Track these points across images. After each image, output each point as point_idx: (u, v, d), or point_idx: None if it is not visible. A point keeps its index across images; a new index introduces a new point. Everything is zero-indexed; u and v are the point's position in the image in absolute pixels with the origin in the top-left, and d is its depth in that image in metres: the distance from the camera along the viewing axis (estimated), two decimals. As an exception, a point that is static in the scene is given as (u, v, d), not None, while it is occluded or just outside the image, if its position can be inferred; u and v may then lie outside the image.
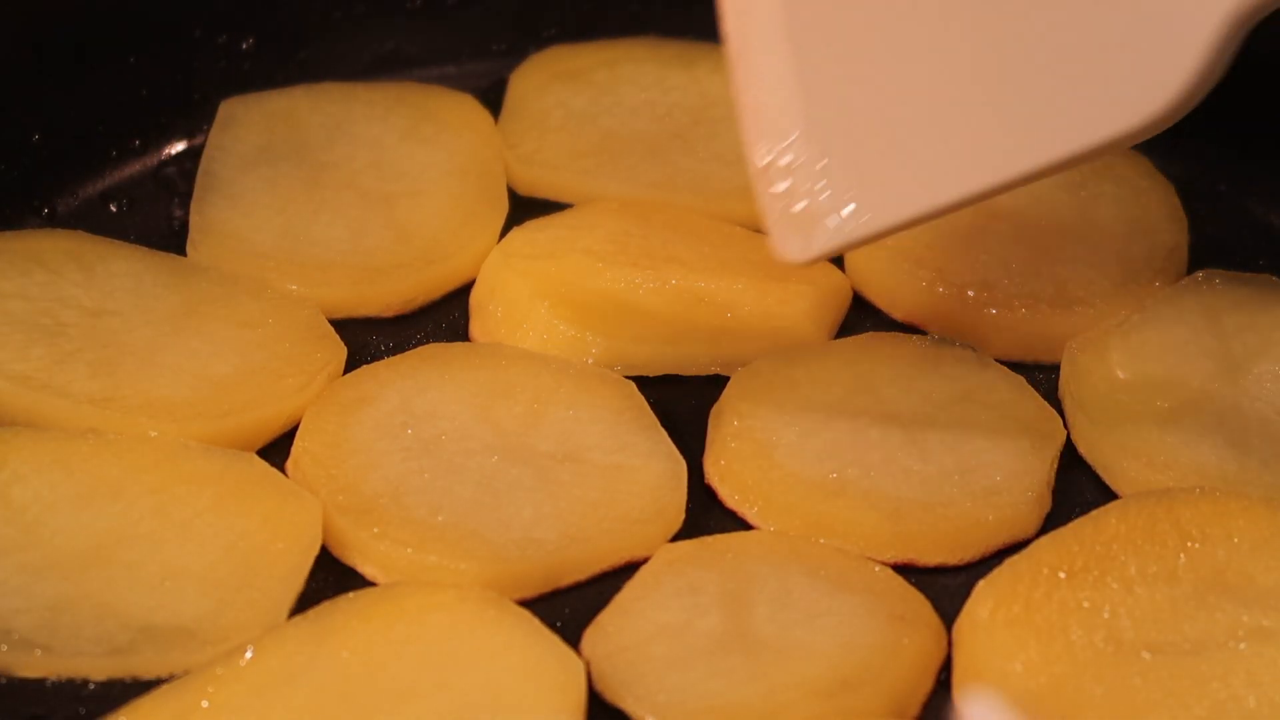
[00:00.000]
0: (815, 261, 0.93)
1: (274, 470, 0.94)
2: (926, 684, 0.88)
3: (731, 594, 0.90)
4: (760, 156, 0.94)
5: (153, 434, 0.95)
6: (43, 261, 1.03)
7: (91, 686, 0.86)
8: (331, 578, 0.92)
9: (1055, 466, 0.98)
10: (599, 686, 0.87)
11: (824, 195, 0.92)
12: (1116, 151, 0.86)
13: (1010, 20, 0.87)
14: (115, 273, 1.03)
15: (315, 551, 0.91)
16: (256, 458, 0.95)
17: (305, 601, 0.89)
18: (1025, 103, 0.87)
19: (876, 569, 0.93)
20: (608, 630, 0.89)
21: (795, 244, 0.93)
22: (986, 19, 0.88)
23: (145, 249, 1.05)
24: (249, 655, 0.85)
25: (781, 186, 0.93)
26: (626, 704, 0.86)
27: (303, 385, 0.98)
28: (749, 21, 0.94)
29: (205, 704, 0.83)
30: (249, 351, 0.99)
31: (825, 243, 0.92)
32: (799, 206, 0.93)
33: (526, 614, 0.88)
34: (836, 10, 0.92)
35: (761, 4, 0.93)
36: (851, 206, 0.92)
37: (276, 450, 0.97)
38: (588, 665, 0.87)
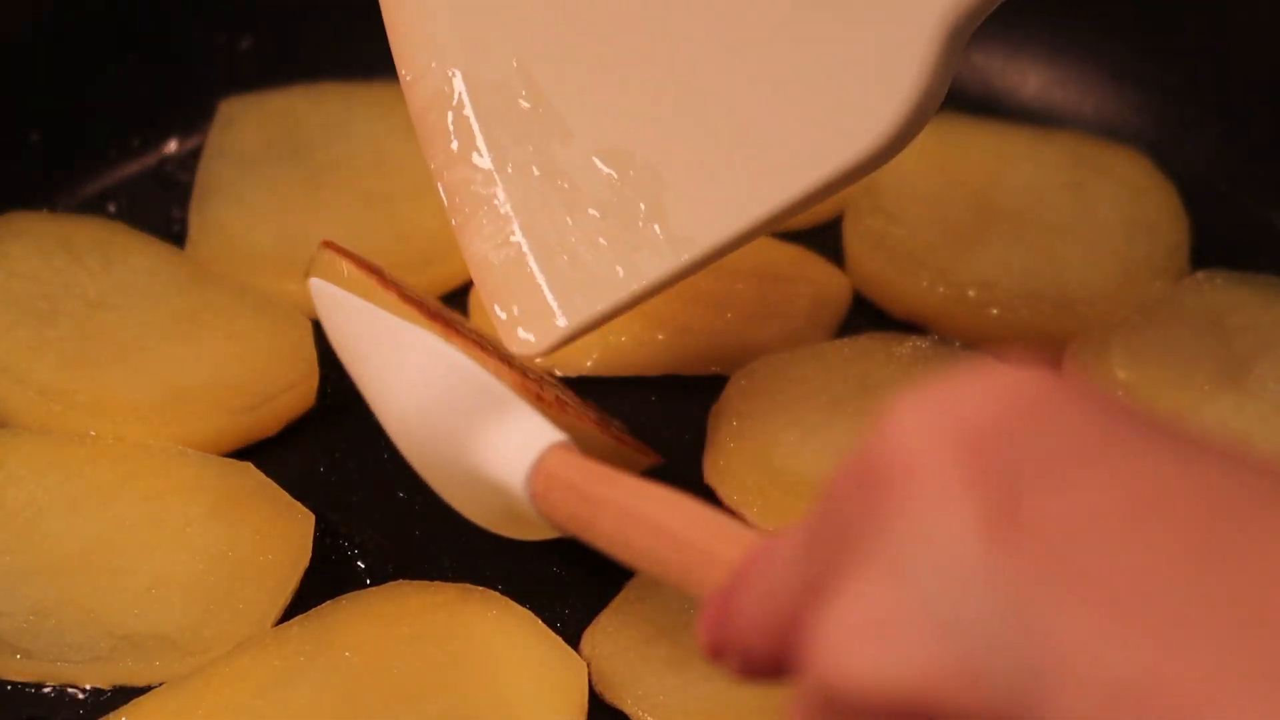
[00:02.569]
0: (552, 348, 0.91)
1: (270, 481, 0.94)
2: (926, 684, 0.88)
3: (731, 594, 0.90)
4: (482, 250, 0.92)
5: (91, 433, 0.95)
6: (69, 246, 1.03)
7: (91, 690, 0.86)
8: (329, 581, 0.92)
9: (1056, 467, 0.98)
10: (599, 687, 0.87)
11: (551, 283, 0.91)
12: (860, 178, 0.85)
13: (715, 72, 0.87)
14: (134, 268, 1.03)
15: (304, 565, 0.91)
16: (253, 467, 0.94)
17: (303, 604, 0.89)
18: (748, 150, 0.86)
19: (877, 569, 0.93)
20: (608, 630, 0.89)
21: (526, 334, 0.91)
22: (689, 77, 0.87)
23: (176, 250, 1.05)
24: (250, 655, 0.85)
25: (502, 273, 0.92)
26: (626, 704, 0.86)
27: (254, 406, 0.97)
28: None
29: (206, 703, 0.83)
30: (226, 365, 0.99)
31: (560, 332, 0.91)
32: (522, 297, 0.91)
33: (529, 614, 0.88)
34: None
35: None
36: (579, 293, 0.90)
37: (275, 458, 0.97)
38: (588, 665, 0.87)
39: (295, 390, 0.99)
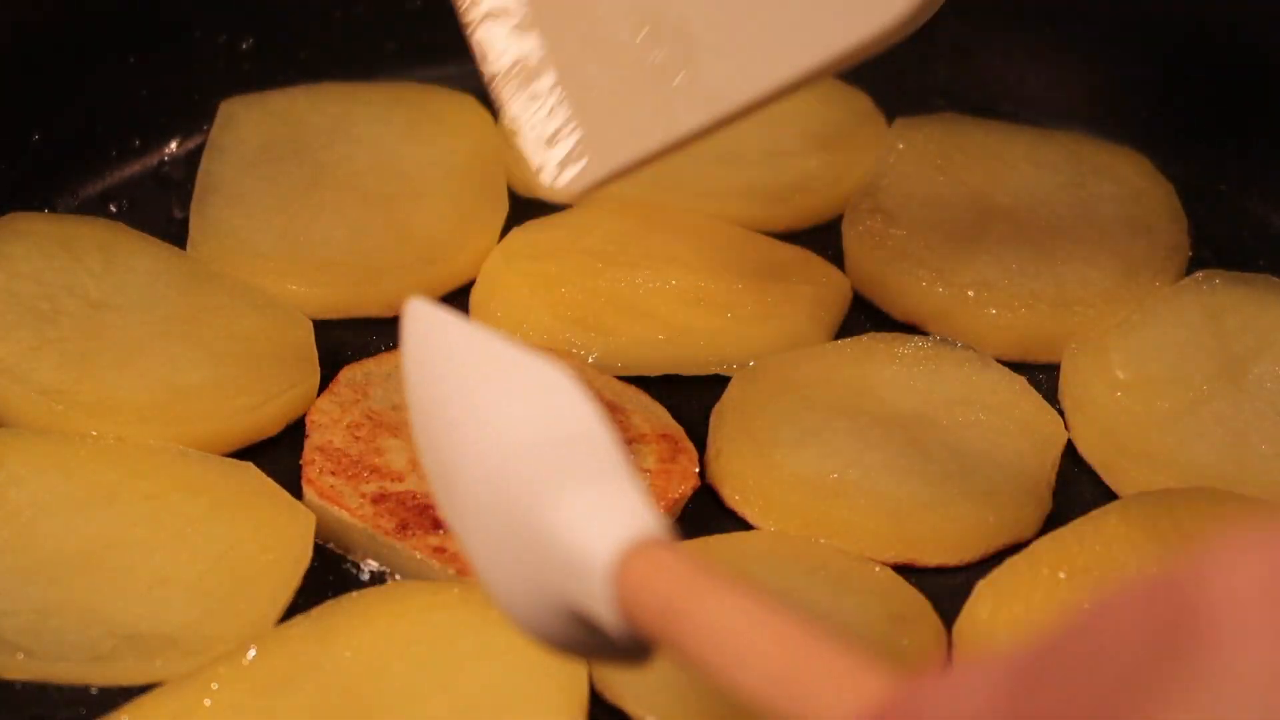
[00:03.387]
0: (586, 192, 0.93)
1: (270, 481, 0.94)
2: (926, 684, 0.88)
3: (732, 594, 0.90)
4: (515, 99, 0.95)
5: (92, 433, 0.95)
6: (70, 247, 1.03)
7: (93, 690, 0.86)
8: (329, 581, 0.92)
9: (1056, 467, 0.98)
10: (599, 686, 0.87)
11: (576, 130, 0.94)
12: (875, 51, 0.88)
13: None
14: (134, 268, 1.03)
15: (306, 564, 0.91)
16: (254, 467, 0.94)
17: (303, 604, 0.89)
18: (764, 20, 0.89)
19: (877, 569, 0.93)
20: (608, 630, 0.89)
21: (561, 175, 0.94)
22: None
23: (177, 250, 1.05)
24: (251, 655, 0.85)
25: (538, 120, 0.94)
26: (626, 704, 0.86)
27: (255, 406, 0.97)
28: None
29: (207, 702, 0.83)
30: (226, 364, 0.99)
31: (591, 176, 0.93)
32: (558, 142, 0.94)
33: (529, 614, 0.88)
34: None
35: None
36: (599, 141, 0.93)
37: (275, 458, 0.97)
38: (588, 665, 0.87)
39: (295, 390, 0.99)
